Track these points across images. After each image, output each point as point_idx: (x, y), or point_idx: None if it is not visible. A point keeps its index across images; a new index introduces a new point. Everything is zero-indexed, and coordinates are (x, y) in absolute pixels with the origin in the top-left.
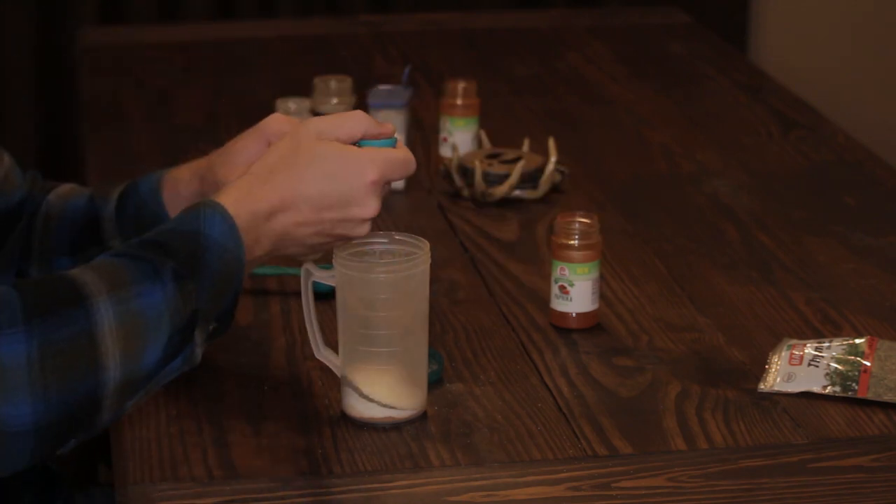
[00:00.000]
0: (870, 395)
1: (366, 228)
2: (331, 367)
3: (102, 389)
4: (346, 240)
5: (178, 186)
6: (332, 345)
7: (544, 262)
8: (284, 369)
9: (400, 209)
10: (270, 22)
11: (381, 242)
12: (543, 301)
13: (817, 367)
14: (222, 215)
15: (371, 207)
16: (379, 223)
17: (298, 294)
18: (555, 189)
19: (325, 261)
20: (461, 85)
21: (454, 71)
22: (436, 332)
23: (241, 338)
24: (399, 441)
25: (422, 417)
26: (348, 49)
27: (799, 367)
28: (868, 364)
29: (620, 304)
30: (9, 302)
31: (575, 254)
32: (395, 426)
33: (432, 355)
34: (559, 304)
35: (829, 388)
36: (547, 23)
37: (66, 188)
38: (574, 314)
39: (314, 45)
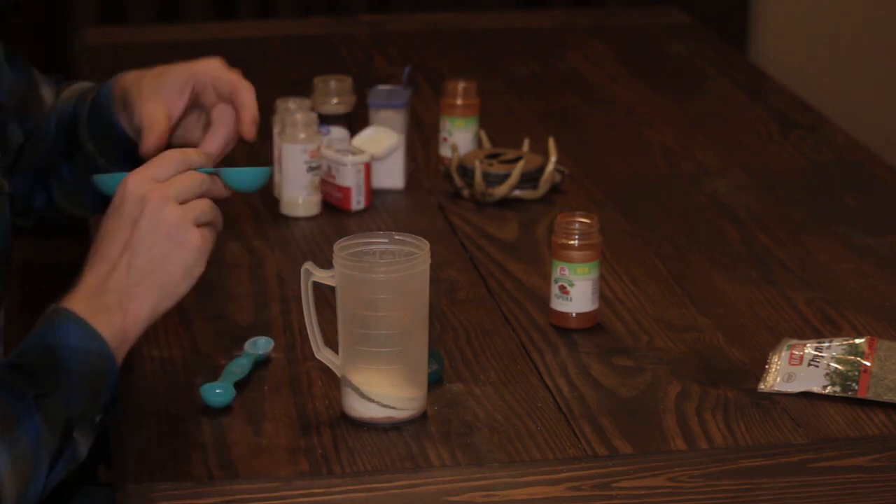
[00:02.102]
0: (870, 395)
1: (193, 233)
2: (331, 367)
3: None
4: (191, 262)
5: (122, 96)
6: (332, 345)
7: (544, 262)
8: (284, 369)
9: (400, 209)
10: (270, 22)
11: (381, 242)
12: (543, 301)
13: (817, 367)
14: (75, 321)
15: (192, 243)
16: (379, 223)
17: (298, 294)
18: (555, 189)
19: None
20: (461, 85)
21: (454, 71)
22: (436, 332)
23: (241, 338)
24: (399, 441)
25: (422, 417)
26: (348, 49)
27: (799, 367)
28: (868, 364)
29: (620, 304)
30: None
31: (575, 254)
32: (395, 426)
33: (432, 355)
34: (559, 304)
35: (829, 388)
36: (547, 23)
37: (69, 90)
38: (574, 314)
39: (314, 45)
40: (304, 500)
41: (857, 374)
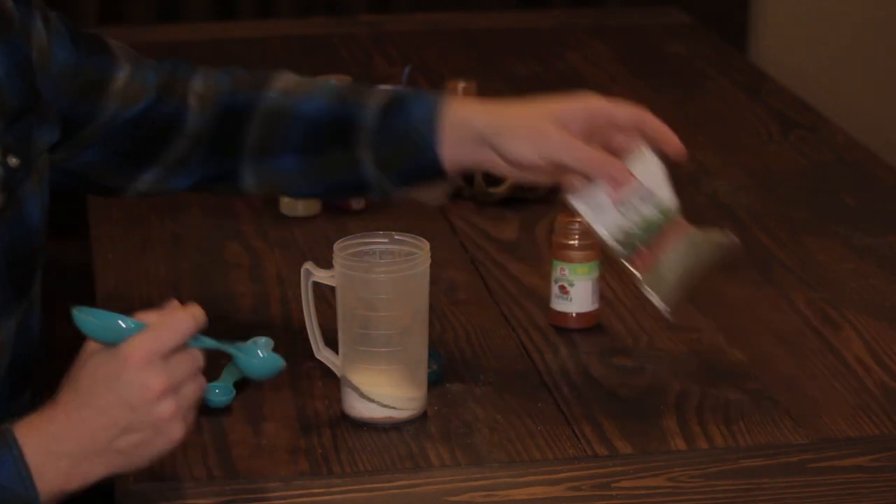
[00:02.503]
0: (643, 279)
1: (167, 405)
2: (331, 367)
3: None
4: (160, 426)
5: (462, 140)
6: (332, 345)
7: (544, 262)
8: (284, 369)
9: (400, 209)
10: (270, 22)
11: (381, 242)
12: (543, 301)
13: (624, 215)
14: (16, 458)
15: (151, 386)
16: (379, 223)
17: (298, 294)
18: (555, 189)
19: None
20: (461, 85)
21: (454, 71)
22: (436, 332)
23: (241, 338)
24: (399, 441)
25: (422, 417)
26: (348, 49)
27: (612, 204)
28: (664, 244)
29: (620, 304)
30: None
31: (575, 254)
32: (395, 426)
33: (432, 355)
34: (559, 304)
35: (614, 241)
36: (547, 23)
37: (286, 81)
38: (574, 314)
39: (314, 45)
40: (304, 500)
41: (645, 243)
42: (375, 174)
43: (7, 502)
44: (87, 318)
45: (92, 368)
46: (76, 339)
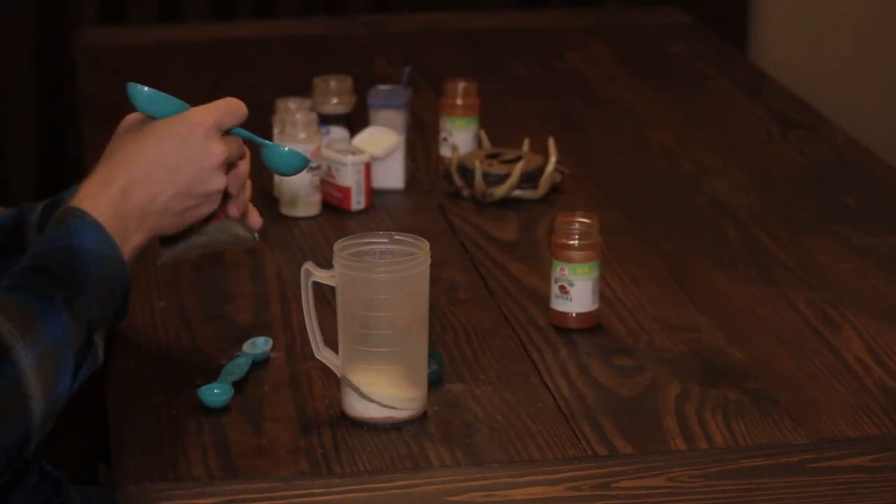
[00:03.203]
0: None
1: (222, 179)
2: (331, 367)
3: (30, 429)
4: (211, 196)
5: None
6: (332, 345)
7: (544, 262)
8: (284, 369)
9: (400, 209)
10: (270, 22)
11: (381, 242)
12: (543, 301)
13: None
14: (89, 221)
15: (216, 153)
16: (379, 223)
17: (298, 294)
18: (555, 189)
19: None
20: (461, 85)
21: (454, 71)
22: (436, 332)
23: (241, 338)
24: (399, 441)
25: (422, 417)
26: (348, 49)
27: None
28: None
29: (620, 304)
30: None
31: (575, 254)
32: (395, 426)
33: (432, 355)
34: (559, 304)
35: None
36: (547, 23)
37: None
38: (574, 314)
39: (314, 45)
40: (304, 500)
41: None
42: None
43: (105, 267)
44: (140, 90)
45: (157, 133)
46: None
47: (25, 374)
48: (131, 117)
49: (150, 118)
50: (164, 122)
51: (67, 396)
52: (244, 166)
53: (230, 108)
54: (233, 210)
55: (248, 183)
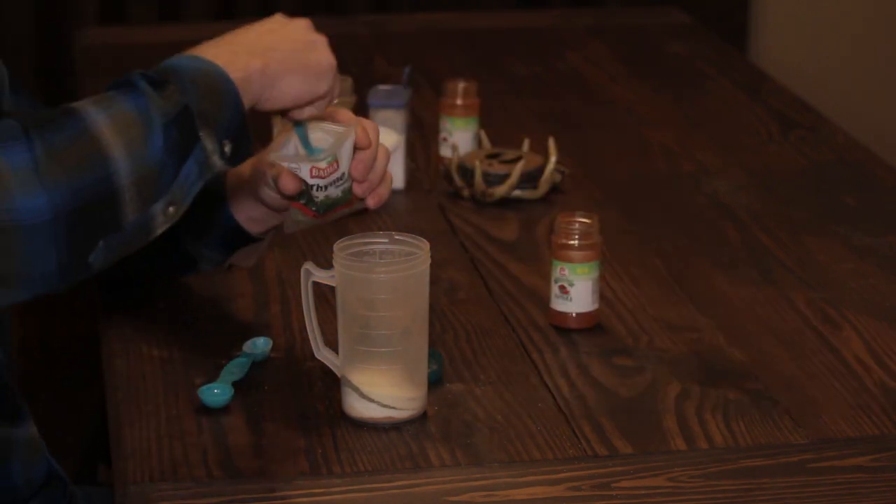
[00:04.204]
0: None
1: (331, 56)
2: (331, 367)
3: (115, 179)
4: (324, 71)
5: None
6: (332, 345)
7: (544, 262)
8: (284, 369)
9: (400, 209)
10: None
11: (381, 242)
12: (543, 301)
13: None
14: (187, 56)
15: (321, 39)
16: (379, 223)
17: (298, 294)
18: (555, 189)
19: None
20: (461, 85)
21: (454, 71)
22: (436, 332)
23: (241, 338)
24: (399, 441)
25: (422, 417)
26: (348, 49)
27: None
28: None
29: (620, 304)
30: (9, 124)
31: (575, 254)
32: (395, 426)
33: (432, 355)
34: (559, 304)
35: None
36: (547, 23)
37: None
38: (574, 314)
39: None
40: (304, 500)
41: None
42: (195, 245)
43: (201, 73)
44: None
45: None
46: (70, 340)
47: (96, 126)
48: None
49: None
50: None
51: (167, 170)
52: (370, 154)
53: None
54: (357, 189)
55: (387, 175)
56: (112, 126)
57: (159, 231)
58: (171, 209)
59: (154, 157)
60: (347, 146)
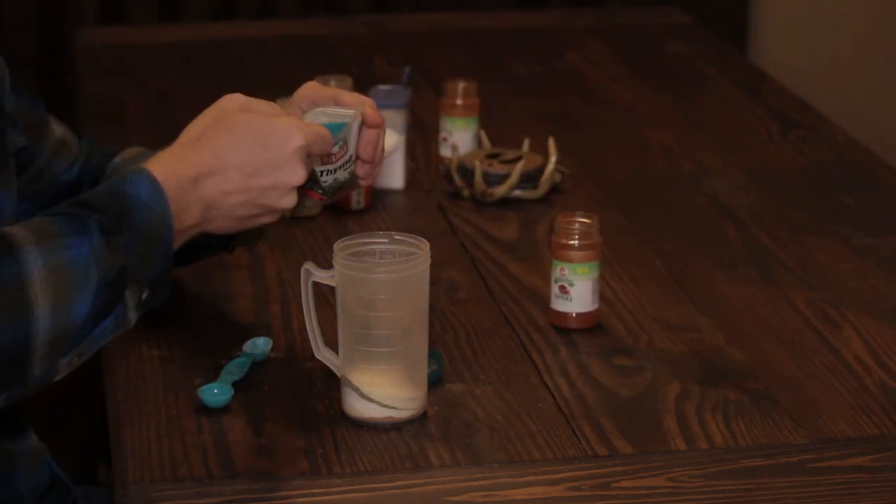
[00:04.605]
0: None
1: (292, 199)
2: (331, 367)
3: (32, 338)
4: (273, 211)
5: None
6: (332, 345)
7: (544, 262)
8: (284, 369)
9: (400, 209)
10: (270, 22)
11: (381, 242)
12: (543, 301)
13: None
14: (149, 179)
15: (298, 175)
16: (379, 223)
17: (298, 294)
18: (555, 189)
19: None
20: (461, 85)
21: (454, 71)
22: (436, 332)
23: (241, 338)
24: (399, 441)
25: (422, 417)
26: (348, 49)
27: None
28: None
29: (620, 304)
30: None
31: (575, 254)
32: (395, 426)
33: (432, 355)
34: (559, 304)
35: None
36: (547, 23)
37: (132, 151)
38: (574, 314)
39: (314, 45)
40: (304, 500)
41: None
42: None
43: (150, 222)
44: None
45: (250, 132)
46: None
47: (30, 275)
48: (238, 97)
49: (255, 102)
50: (261, 123)
51: (85, 331)
52: (377, 133)
53: (322, 139)
54: (360, 170)
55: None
56: (46, 280)
57: (56, 379)
58: (75, 360)
59: (77, 318)
60: (355, 128)
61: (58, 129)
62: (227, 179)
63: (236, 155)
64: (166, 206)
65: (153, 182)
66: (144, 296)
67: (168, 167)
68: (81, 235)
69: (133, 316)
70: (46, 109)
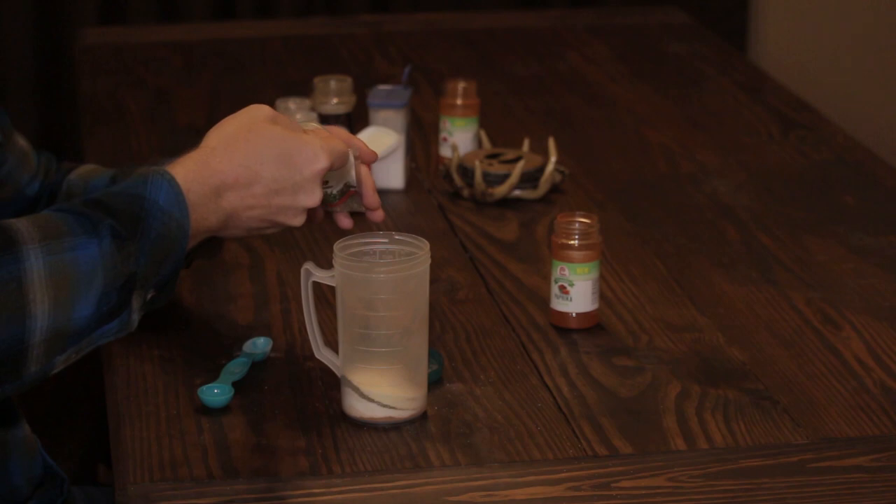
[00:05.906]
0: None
1: (302, 219)
2: (331, 367)
3: (29, 337)
4: (280, 227)
5: None
6: (332, 345)
7: (544, 262)
8: (284, 369)
9: (400, 209)
10: (270, 22)
11: (381, 242)
12: (543, 301)
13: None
14: (170, 183)
15: (315, 197)
16: (379, 223)
17: (298, 294)
18: (555, 189)
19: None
20: (461, 85)
21: (454, 71)
22: (436, 332)
23: (242, 338)
24: (399, 441)
25: (422, 417)
26: (348, 49)
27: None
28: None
29: (620, 304)
30: None
31: (575, 254)
32: (395, 426)
33: (432, 355)
34: (559, 304)
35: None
36: (547, 23)
37: (87, 168)
38: (574, 314)
39: (314, 45)
40: (304, 500)
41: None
42: None
43: (167, 228)
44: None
45: (277, 147)
46: None
47: (30, 274)
48: (266, 108)
49: (281, 117)
50: (292, 140)
51: (86, 332)
52: (369, 174)
53: (342, 156)
54: (366, 201)
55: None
56: (47, 281)
57: (53, 372)
58: (73, 356)
59: (79, 320)
60: (352, 169)
61: (20, 141)
62: (251, 194)
63: (265, 169)
64: (185, 212)
65: (175, 187)
66: (149, 296)
67: (192, 173)
68: (90, 237)
69: (137, 318)
70: (47, 110)
